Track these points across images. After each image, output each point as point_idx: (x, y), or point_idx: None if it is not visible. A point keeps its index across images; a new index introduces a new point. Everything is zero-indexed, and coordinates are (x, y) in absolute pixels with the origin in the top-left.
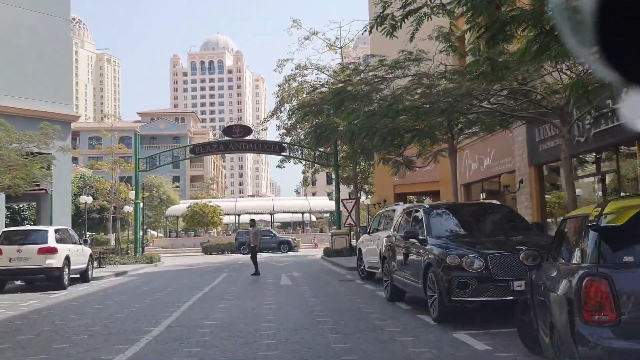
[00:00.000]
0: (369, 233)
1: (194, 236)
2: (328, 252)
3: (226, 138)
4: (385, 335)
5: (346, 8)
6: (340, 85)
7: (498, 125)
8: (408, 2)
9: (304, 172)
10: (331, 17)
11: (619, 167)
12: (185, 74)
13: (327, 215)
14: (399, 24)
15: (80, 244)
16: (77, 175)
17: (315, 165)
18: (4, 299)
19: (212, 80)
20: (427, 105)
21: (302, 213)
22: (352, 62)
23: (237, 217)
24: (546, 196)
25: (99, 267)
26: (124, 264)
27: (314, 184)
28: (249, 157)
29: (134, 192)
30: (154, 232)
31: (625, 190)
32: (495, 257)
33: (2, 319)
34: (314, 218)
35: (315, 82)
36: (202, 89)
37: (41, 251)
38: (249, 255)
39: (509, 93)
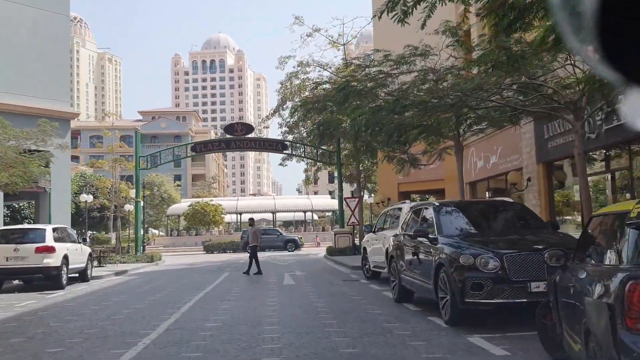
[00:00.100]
0: (374, 232)
1: (196, 235)
2: (331, 251)
3: (227, 136)
4: (395, 339)
5: (348, 6)
6: (344, 80)
7: (508, 121)
8: None
9: (305, 171)
10: (333, 14)
11: (631, 165)
12: (186, 73)
13: (329, 214)
14: (410, 10)
15: (79, 242)
16: (78, 174)
17: (318, 163)
18: (0, 299)
19: (213, 79)
20: (436, 100)
21: (304, 212)
22: (356, 57)
23: (238, 215)
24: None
25: (99, 266)
26: (124, 263)
27: (316, 182)
28: (251, 155)
29: (134, 190)
30: (156, 231)
31: (637, 189)
32: (511, 256)
33: None
34: (316, 217)
35: (317, 80)
36: (204, 88)
37: (38, 250)
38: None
39: (519, 87)
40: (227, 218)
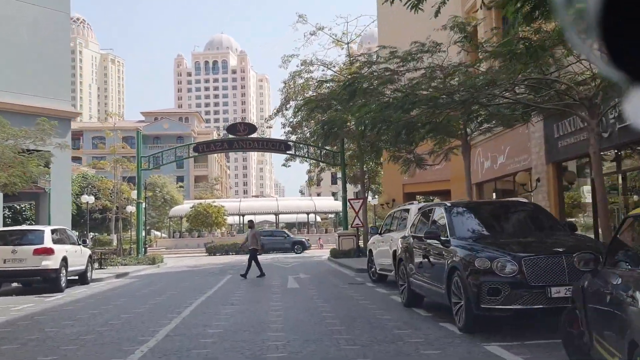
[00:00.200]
0: (380, 234)
1: (198, 237)
2: (335, 253)
3: (230, 136)
4: (408, 347)
5: (350, 5)
6: (350, 76)
7: (519, 118)
8: None
9: (309, 172)
10: (335, 13)
11: None
12: (189, 74)
13: (332, 215)
14: None
15: (79, 244)
16: (80, 175)
17: (321, 164)
18: None
19: (216, 80)
20: (445, 96)
21: (308, 213)
22: (362, 54)
23: (241, 217)
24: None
25: (100, 269)
26: (125, 265)
27: (319, 183)
28: (253, 157)
29: (136, 191)
30: (158, 233)
31: None
32: (530, 260)
33: None
34: (318, 219)
35: (322, 78)
36: (206, 89)
37: (37, 252)
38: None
39: (532, 83)
40: (230, 220)
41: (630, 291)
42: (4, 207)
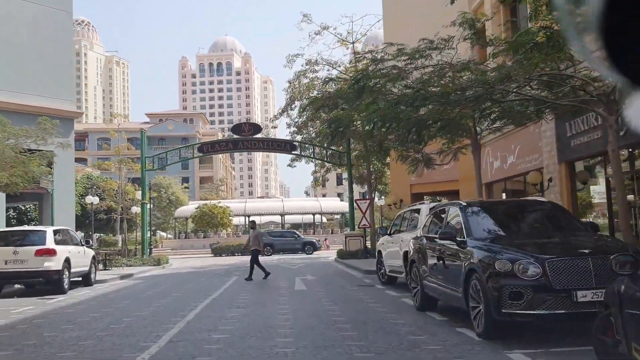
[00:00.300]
0: (389, 234)
1: (204, 237)
2: (342, 254)
3: (235, 136)
4: (426, 355)
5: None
6: (358, 72)
7: (533, 116)
8: None
9: (315, 172)
10: (338, 12)
11: None
12: (193, 76)
13: (338, 216)
14: None
15: (82, 245)
16: (84, 176)
17: (327, 164)
18: None
19: (220, 82)
20: (459, 92)
21: (313, 214)
22: (370, 51)
23: (246, 218)
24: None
25: (105, 270)
26: (130, 265)
27: (324, 185)
28: (258, 158)
29: (140, 192)
30: (163, 234)
31: None
32: (554, 262)
33: None
34: (324, 219)
35: (327, 77)
36: (211, 90)
37: (39, 253)
38: (265, 258)
39: (549, 78)
40: (235, 220)
41: None
42: (8, 208)
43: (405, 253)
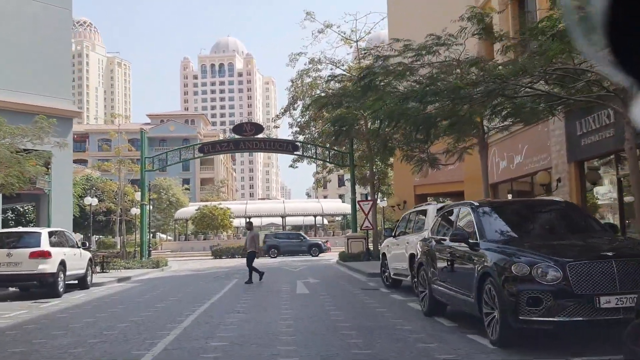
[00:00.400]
0: (394, 236)
1: (204, 239)
2: (344, 257)
3: (236, 136)
4: None
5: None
6: (365, 69)
7: (546, 112)
8: None
9: (317, 173)
10: (340, 10)
11: None
12: (195, 77)
13: (339, 218)
14: None
15: (79, 247)
16: (84, 177)
17: (329, 165)
18: None
19: (222, 83)
20: (469, 88)
21: (315, 216)
22: (376, 46)
23: (247, 220)
24: None
25: (102, 272)
26: (128, 268)
27: (325, 186)
28: (260, 159)
29: (139, 193)
30: (163, 236)
31: None
32: (576, 265)
33: None
34: (325, 221)
35: (331, 75)
36: (213, 92)
37: (33, 255)
38: (266, 260)
39: (563, 73)
40: (236, 222)
41: None
42: (7, 210)
43: (411, 256)
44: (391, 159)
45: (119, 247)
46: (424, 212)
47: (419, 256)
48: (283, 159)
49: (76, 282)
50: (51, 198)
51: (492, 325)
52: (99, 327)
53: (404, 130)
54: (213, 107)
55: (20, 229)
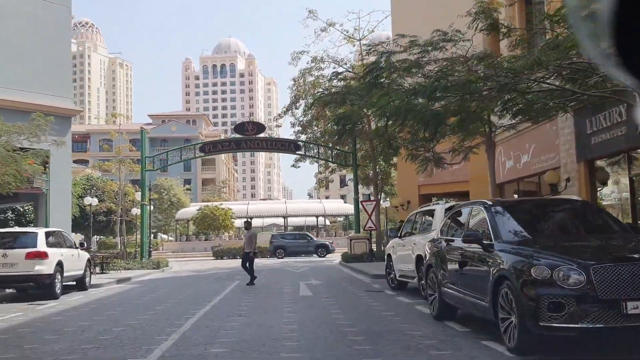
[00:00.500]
0: (400, 237)
1: (205, 240)
2: (347, 258)
3: (238, 136)
4: None
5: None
6: (370, 64)
7: (559, 108)
8: None
9: (320, 173)
10: (344, 9)
11: None
12: (197, 78)
13: (341, 219)
14: None
15: (77, 247)
16: (84, 177)
17: (331, 165)
18: None
19: (224, 83)
20: (481, 82)
21: (317, 216)
22: (381, 42)
23: (246, 219)
24: None
25: (102, 273)
26: (128, 269)
27: (327, 187)
28: (261, 160)
29: (140, 193)
30: (165, 236)
31: None
32: (601, 268)
33: None
34: (327, 222)
35: (334, 72)
36: (214, 92)
37: (29, 256)
38: (269, 261)
39: (578, 67)
40: (238, 223)
41: None
42: (7, 209)
43: (418, 257)
44: (394, 159)
45: (119, 247)
46: (431, 212)
47: (428, 258)
48: (284, 160)
49: (74, 283)
50: (49, 198)
51: (509, 331)
52: (95, 331)
53: (411, 127)
54: (215, 108)
55: (17, 228)
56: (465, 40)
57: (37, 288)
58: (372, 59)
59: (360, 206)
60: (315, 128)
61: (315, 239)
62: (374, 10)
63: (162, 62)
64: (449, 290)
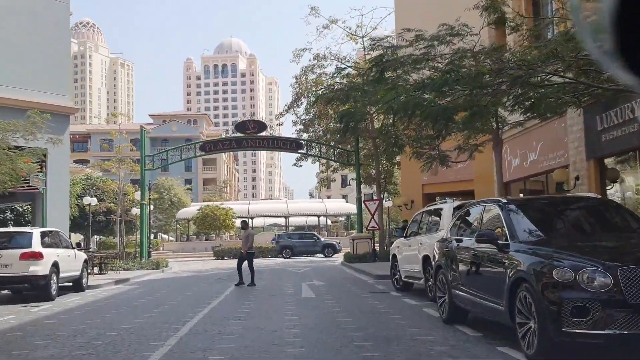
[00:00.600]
0: (405, 237)
1: (206, 240)
2: (349, 258)
3: (239, 134)
4: None
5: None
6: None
7: (572, 103)
8: None
9: (321, 172)
10: (347, 5)
11: None
12: (198, 78)
13: (343, 218)
14: None
15: (73, 248)
16: (84, 177)
17: (333, 164)
18: None
19: (225, 83)
20: (493, 75)
21: (318, 216)
22: (386, 36)
23: (250, 220)
24: None
25: (100, 274)
26: (127, 269)
27: (329, 186)
28: (262, 160)
29: (139, 192)
30: (165, 236)
31: None
32: (629, 270)
33: None
34: (329, 222)
35: (337, 68)
36: (216, 92)
37: (24, 257)
38: (272, 261)
39: (593, 60)
40: (238, 223)
41: None
42: (5, 209)
43: (425, 257)
44: (397, 158)
45: (119, 247)
46: (438, 212)
47: (437, 258)
48: (286, 160)
49: (71, 284)
50: (46, 197)
51: (527, 336)
52: (88, 335)
53: (419, 123)
54: (216, 108)
55: (11, 228)
56: (472, 34)
57: (32, 289)
58: (379, 52)
59: (363, 205)
60: (317, 126)
61: (322, 238)
62: (377, 7)
63: (163, 62)
64: (460, 293)
